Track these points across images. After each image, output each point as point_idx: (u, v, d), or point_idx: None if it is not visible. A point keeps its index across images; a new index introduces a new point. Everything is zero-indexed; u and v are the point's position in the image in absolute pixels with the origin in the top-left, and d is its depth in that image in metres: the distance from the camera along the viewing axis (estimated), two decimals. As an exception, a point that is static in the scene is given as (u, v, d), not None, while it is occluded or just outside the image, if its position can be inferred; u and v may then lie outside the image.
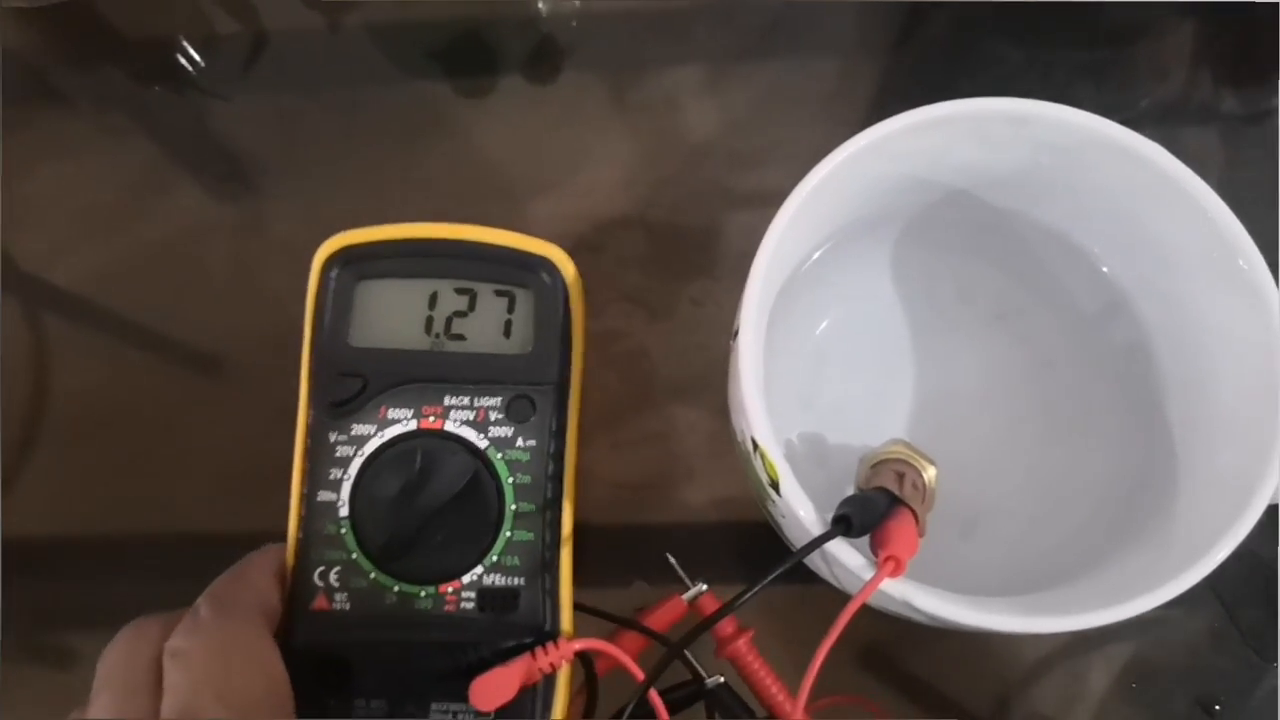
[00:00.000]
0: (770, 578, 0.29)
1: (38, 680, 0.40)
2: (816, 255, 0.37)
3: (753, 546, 0.41)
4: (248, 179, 0.46)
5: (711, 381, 0.41)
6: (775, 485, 0.29)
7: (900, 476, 0.32)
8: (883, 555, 0.29)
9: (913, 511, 0.31)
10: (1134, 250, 0.35)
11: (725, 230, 0.44)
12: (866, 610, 0.28)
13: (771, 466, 0.29)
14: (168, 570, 0.40)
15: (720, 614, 0.31)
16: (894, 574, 0.29)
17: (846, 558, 0.29)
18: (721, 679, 0.36)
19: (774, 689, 0.36)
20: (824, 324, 0.39)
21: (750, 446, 0.30)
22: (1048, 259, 0.37)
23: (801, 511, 0.29)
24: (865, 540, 0.30)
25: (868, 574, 0.29)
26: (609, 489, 0.40)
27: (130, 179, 0.45)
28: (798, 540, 0.31)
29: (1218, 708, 0.39)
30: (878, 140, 0.30)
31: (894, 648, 0.40)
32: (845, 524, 0.29)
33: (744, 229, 0.44)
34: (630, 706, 0.32)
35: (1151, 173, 0.31)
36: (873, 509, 0.30)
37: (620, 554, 0.41)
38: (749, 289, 0.30)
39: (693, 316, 0.44)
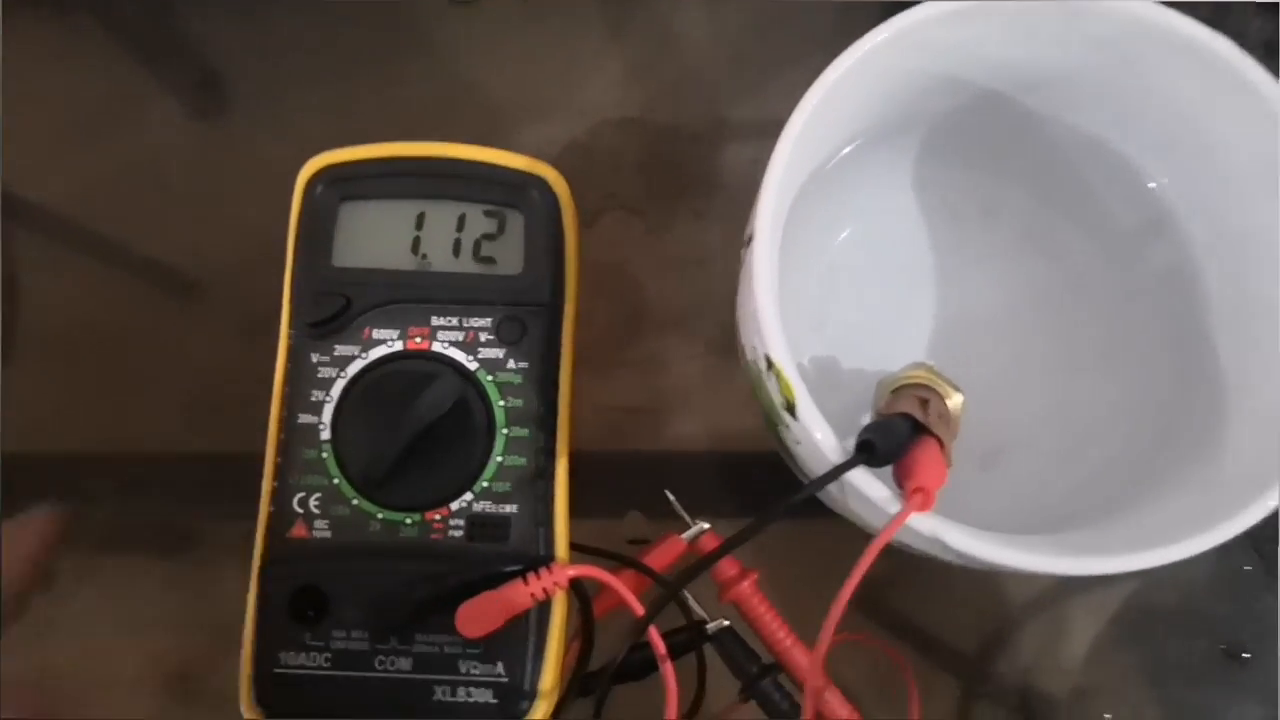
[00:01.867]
0: (783, 508, 0.27)
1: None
2: (832, 163, 0.34)
3: (754, 481, 0.39)
4: (222, 94, 0.44)
5: (712, 299, 0.39)
6: (790, 408, 0.27)
7: (924, 403, 0.29)
8: (910, 486, 0.26)
9: (938, 440, 0.28)
10: (1186, 161, 0.32)
11: (729, 140, 0.42)
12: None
13: (787, 386, 0.27)
14: (136, 489, 0.39)
15: (727, 548, 0.29)
16: (923, 507, 0.26)
17: (870, 489, 0.26)
18: (725, 623, 0.34)
19: (781, 634, 0.34)
20: (838, 239, 0.36)
21: (763, 365, 0.28)
22: (1083, 170, 0.35)
23: (819, 435, 0.27)
24: (886, 472, 0.28)
25: (892, 507, 0.26)
26: (599, 414, 0.38)
27: (100, 93, 0.44)
28: (812, 469, 0.29)
29: (1246, 655, 0.37)
30: (908, 28, 0.28)
31: (883, 581, 0.38)
32: (869, 451, 0.27)
33: (749, 139, 0.42)
34: (629, 644, 0.31)
35: (1219, 73, 0.29)
36: (896, 436, 0.28)
37: (611, 485, 0.39)
38: (764, 190, 0.28)
39: (693, 230, 0.42)
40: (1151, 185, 0.33)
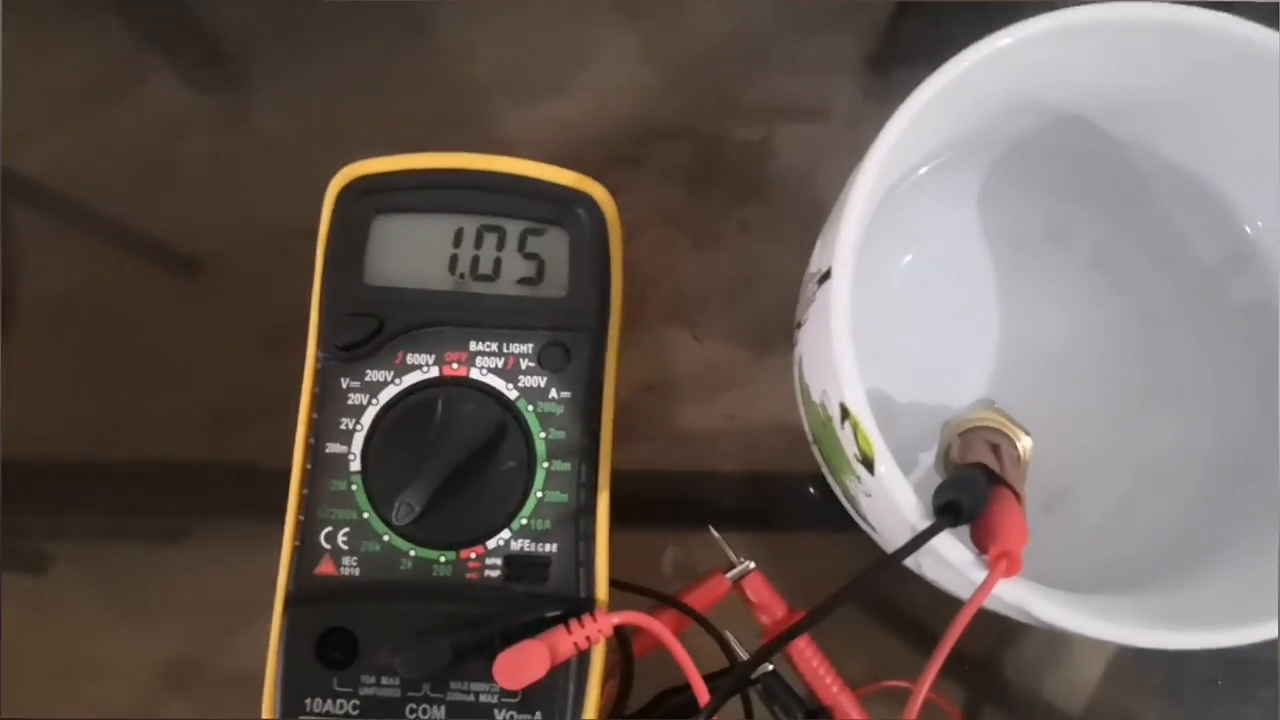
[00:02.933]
0: (866, 583, 0.25)
1: (16, 584, 0.38)
2: (903, 184, 0.32)
3: (795, 505, 0.38)
4: (229, 68, 0.42)
5: (763, 321, 0.38)
6: (867, 462, 0.25)
7: (996, 449, 0.28)
8: (994, 551, 0.24)
9: (1014, 492, 0.27)
10: (1278, 196, 0.30)
11: (767, 142, 0.40)
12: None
13: (866, 440, 0.25)
14: (134, 499, 0.37)
15: (804, 626, 0.27)
16: (1009, 573, 0.24)
17: (952, 554, 0.24)
18: (770, 667, 0.32)
19: (829, 680, 0.32)
20: (900, 265, 0.34)
21: (836, 413, 0.26)
22: (1163, 200, 0.33)
23: (902, 499, 0.24)
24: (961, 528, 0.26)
25: (975, 572, 0.24)
26: (628, 432, 0.36)
27: (104, 64, 0.42)
28: (881, 524, 0.27)
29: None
30: (1012, 47, 0.25)
31: (905, 599, 0.37)
32: (953, 513, 0.25)
33: (788, 140, 0.40)
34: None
35: None
36: (976, 492, 0.26)
37: (644, 505, 0.37)
38: (844, 223, 0.25)
39: (733, 239, 0.40)
40: (1237, 215, 0.31)
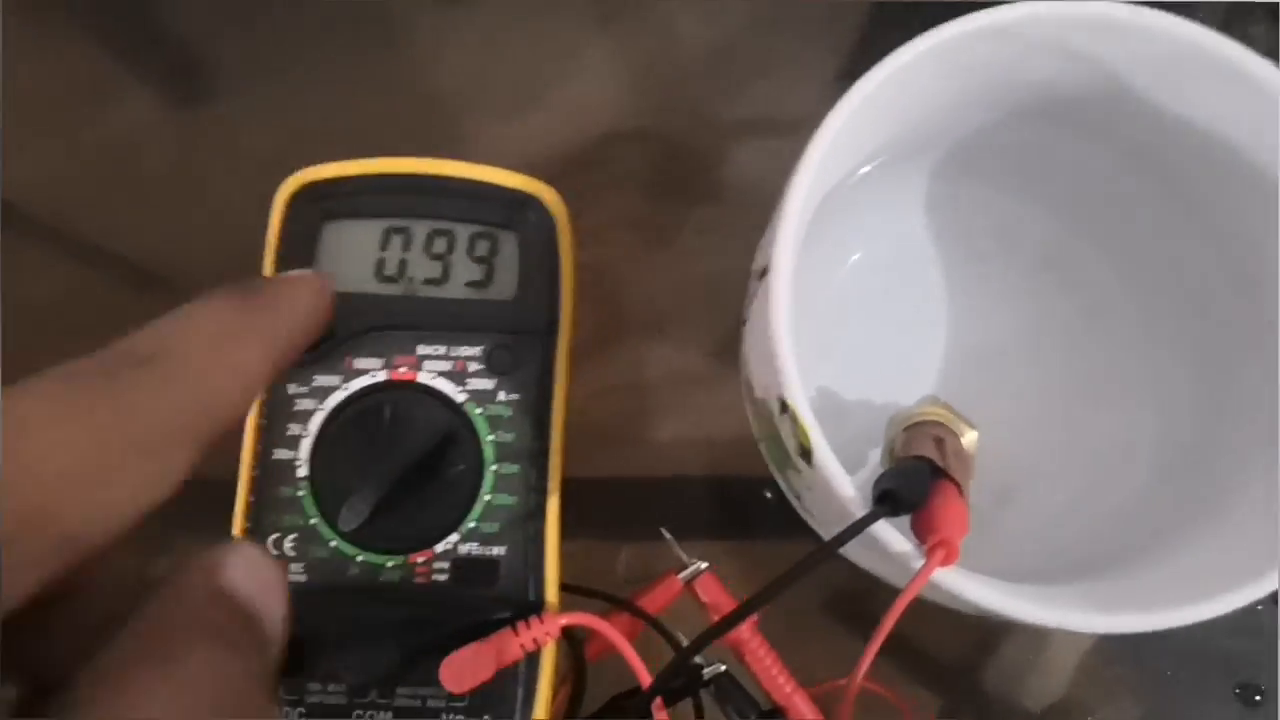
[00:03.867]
0: (803, 570, 0.25)
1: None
2: (848, 183, 0.33)
3: (750, 505, 0.38)
4: (202, 82, 0.42)
5: (719, 322, 0.38)
6: (805, 454, 0.25)
7: (939, 442, 0.28)
8: (932, 539, 0.24)
9: (956, 484, 0.27)
10: (1225, 188, 0.30)
11: (733, 149, 0.40)
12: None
13: (804, 432, 0.25)
14: None
15: (744, 612, 0.27)
16: (946, 561, 0.24)
17: (892, 542, 0.25)
18: (722, 667, 0.32)
19: (782, 680, 0.32)
20: (848, 263, 0.35)
21: (776, 408, 0.26)
22: (1109, 195, 0.33)
23: (837, 486, 0.25)
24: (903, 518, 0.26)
25: (914, 561, 0.24)
26: (589, 438, 0.36)
27: (74, 78, 0.42)
28: (821, 514, 0.28)
29: (1259, 698, 0.36)
30: (945, 43, 0.26)
31: (865, 596, 0.37)
32: (891, 502, 0.25)
33: (753, 150, 0.40)
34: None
35: (1266, 100, 0.27)
36: (916, 483, 0.26)
37: (603, 509, 0.37)
38: (782, 220, 0.26)
39: (697, 246, 0.40)
40: (1181, 209, 0.32)
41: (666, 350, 0.39)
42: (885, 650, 0.38)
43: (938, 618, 0.36)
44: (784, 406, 0.24)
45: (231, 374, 0.18)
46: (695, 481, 0.39)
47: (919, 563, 0.24)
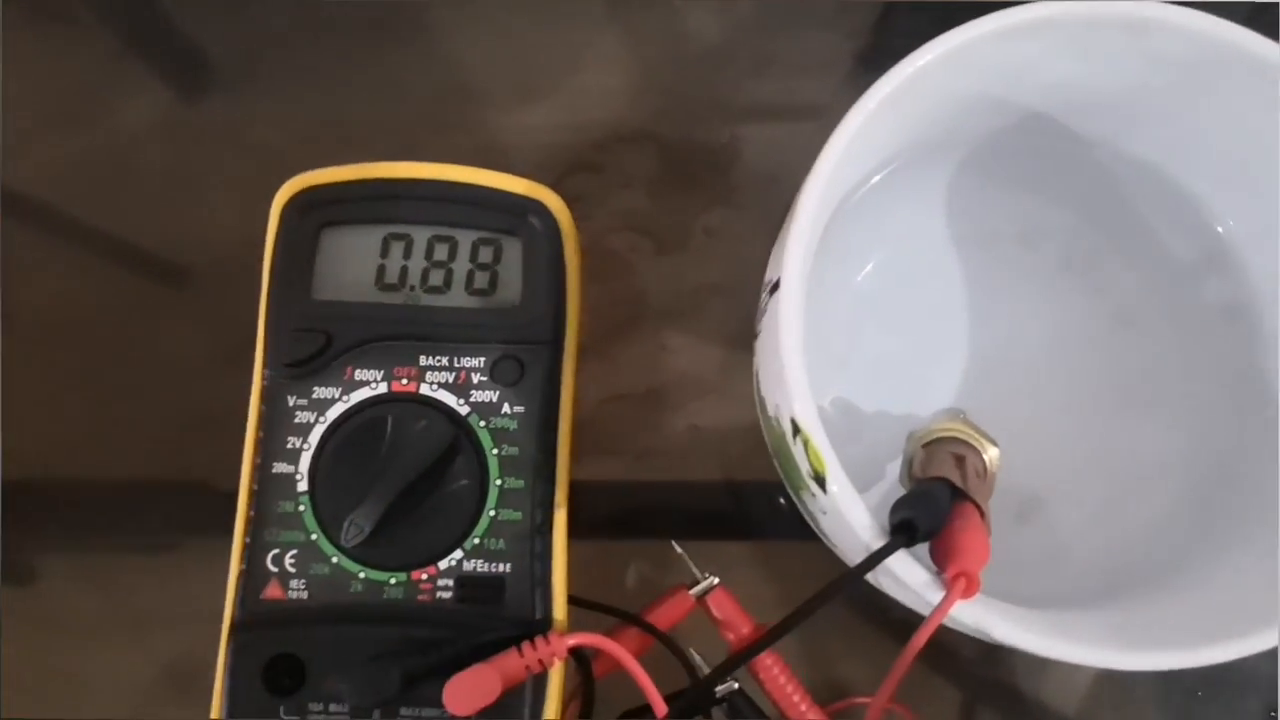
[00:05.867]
0: (821, 602, 0.24)
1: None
2: (864, 188, 0.32)
3: (761, 516, 0.37)
4: (209, 78, 0.42)
5: (727, 328, 0.37)
6: (820, 479, 0.24)
7: (960, 460, 0.27)
8: (952, 570, 0.23)
9: (978, 507, 0.26)
10: (1252, 192, 0.29)
11: (744, 149, 0.39)
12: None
13: (817, 456, 0.24)
14: (130, 511, 0.37)
15: (765, 643, 0.26)
16: (967, 594, 0.23)
17: (908, 574, 0.24)
18: (735, 685, 0.31)
19: (796, 698, 0.32)
20: (863, 271, 0.34)
21: (788, 428, 0.25)
22: (1135, 198, 0.32)
23: (853, 517, 0.24)
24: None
25: (932, 593, 0.23)
26: (597, 442, 0.36)
27: (82, 75, 0.41)
28: (839, 537, 0.26)
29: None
30: (961, 47, 0.25)
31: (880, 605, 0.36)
32: (909, 532, 0.24)
33: (766, 147, 0.39)
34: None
35: None
36: (936, 508, 0.25)
37: (611, 517, 0.36)
38: (792, 234, 0.25)
39: (707, 246, 0.39)
40: (1209, 214, 0.30)
41: (676, 352, 0.38)
42: (890, 663, 0.38)
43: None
44: (796, 430, 0.23)
45: None
46: (704, 486, 0.38)
47: (938, 594, 0.23)
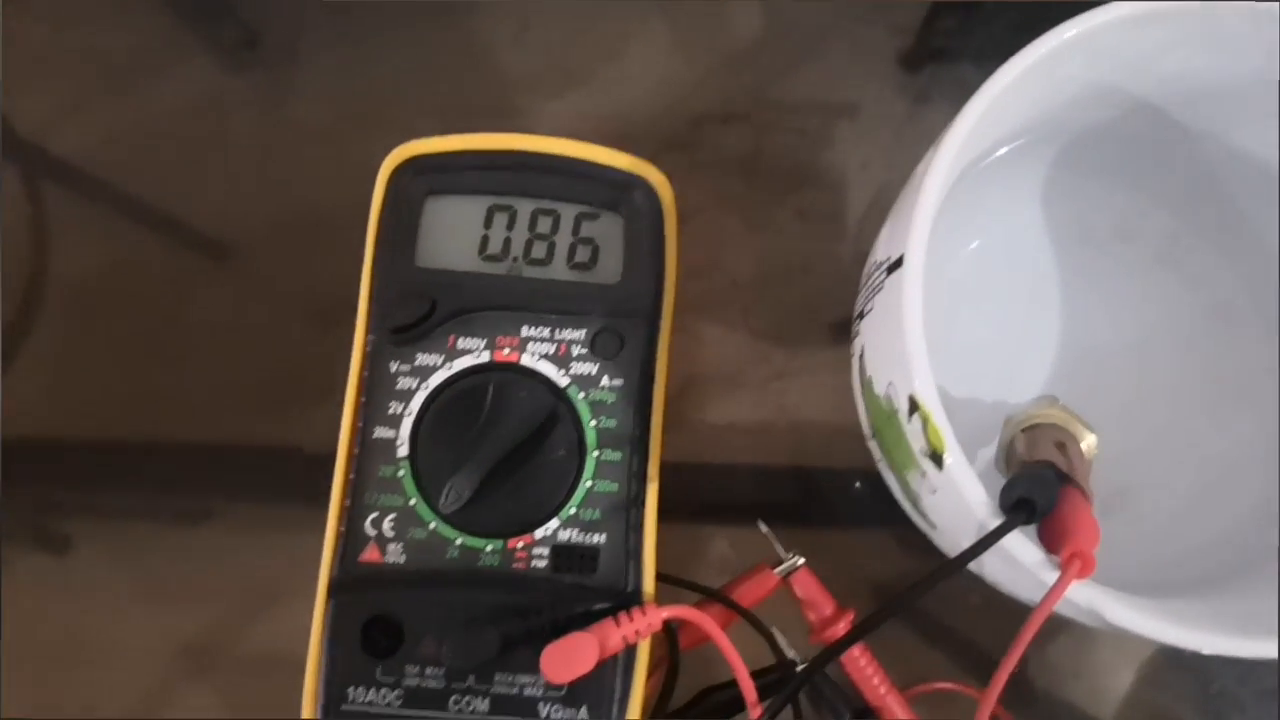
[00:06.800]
0: (932, 583, 0.24)
1: (40, 563, 0.37)
2: (969, 173, 0.31)
3: (835, 492, 0.37)
4: (267, 49, 0.42)
5: (820, 313, 0.37)
6: (936, 457, 0.24)
7: (1062, 446, 0.27)
8: (1067, 551, 0.23)
9: (1082, 492, 0.25)
10: None
11: (831, 133, 0.39)
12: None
13: (936, 434, 0.24)
14: (169, 478, 0.37)
15: (860, 633, 0.26)
16: (1083, 574, 0.23)
17: (1025, 553, 0.23)
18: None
19: (876, 680, 0.32)
20: (962, 254, 0.33)
21: (903, 405, 0.25)
22: (1234, 192, 0.32)
23: (971, 494, 0.24)
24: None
25: (1046, 573, 0.23)
26: (673, 422, 0.36)
27: (138, 42, 0.41)
28: (944, 521, 0.26)
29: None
30: (1093, 30, 0.24)
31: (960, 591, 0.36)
32: (1025, 510, 0.24)
33: (832, 136, 0.39)
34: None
35: None
36: (1046, 489, 0.25)
37: (696, 506, 0.36)
38: (920, 206, 0.24)
39: (785, 230, 0.38)
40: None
41: (751, 335, 0.38)
42: (935, 642, 0.38)
43: (990, 609, 0.35)
44: (914, 406, 0.24)
45: None
46: (782, 468, 0.38)
47: (1052, 575, 0.23)
